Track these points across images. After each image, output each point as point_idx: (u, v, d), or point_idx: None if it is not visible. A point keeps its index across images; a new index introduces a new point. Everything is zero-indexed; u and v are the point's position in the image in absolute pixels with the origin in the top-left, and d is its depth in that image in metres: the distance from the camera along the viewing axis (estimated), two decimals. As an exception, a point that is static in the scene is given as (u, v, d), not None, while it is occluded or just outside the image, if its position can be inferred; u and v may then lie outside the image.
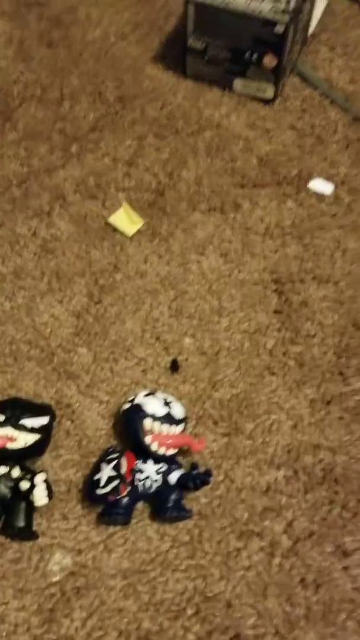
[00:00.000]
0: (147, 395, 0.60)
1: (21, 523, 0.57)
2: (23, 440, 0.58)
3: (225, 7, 0.81)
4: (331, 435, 0.65)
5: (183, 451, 0.62)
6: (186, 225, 0.78)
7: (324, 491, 0.61)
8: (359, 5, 1.05)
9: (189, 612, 0.55)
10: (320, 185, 0.83)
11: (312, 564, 0.58)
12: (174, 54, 0.92)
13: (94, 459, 0.61)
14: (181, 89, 0.91)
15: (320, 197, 0.82)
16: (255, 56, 0.84)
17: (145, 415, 0.58)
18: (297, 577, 0.57)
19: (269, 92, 0.88)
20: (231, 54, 0.85)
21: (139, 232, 0.77)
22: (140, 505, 0.59)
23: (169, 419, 0.59)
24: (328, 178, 0.83)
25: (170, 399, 0.61)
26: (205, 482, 0.58)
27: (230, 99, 0.90)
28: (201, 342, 0.70)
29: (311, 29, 0.98)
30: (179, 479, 0.58)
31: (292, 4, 0.81)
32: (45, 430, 0.60)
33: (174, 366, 0.67)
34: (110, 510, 0.57)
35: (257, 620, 0.55)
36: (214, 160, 0.84)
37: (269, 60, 0.84)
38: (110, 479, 0.56)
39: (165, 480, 0.58)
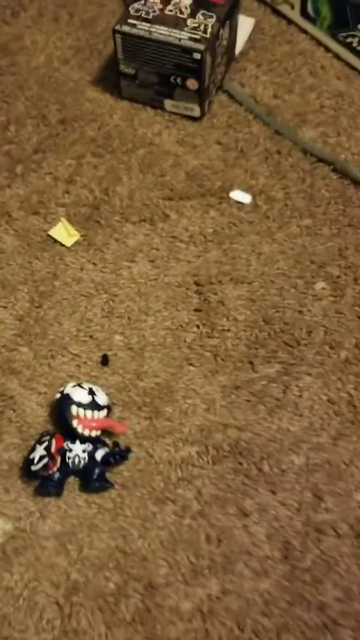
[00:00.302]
0: (74, 386, 0.72)
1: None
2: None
3: (149, 37, 0.92)
4: (239, 415, 0.76)
5: (111, 433, 0.73)
6: (119, 235, 0.89)
7: (230, 463, 0.73)
8: (287, 22, 1.16)
9: (110, 565, 0.67)
10: (240, 196, 0.94)
11: (216, 524, 0.69)
12: (112, 77, 1.03)
13: (32, 442, 0.72)
14: (118, 110, 1.01)
15: (240, 206, 0.93)
16: (179, 80, 0.95)
17: (72, 402, 0.70)
18: (203, 535, 0.69)
19: (196, 111, 0.99)
20: (159, 78, 0.96)
21: (76, 243, 0.88)
22: (71, 479, 0.71)
23: (93, 405, 0.71)
24: (248, 188, 0.94)
25: (95, 388, 0.73)
26: (123, 457, 0.70)
27: (161, 118, 1.01)
28: (129, 339, 0.81)
29: (239, 48, 1.09)
30: (103, 457, 0.70)
31: (209, 32, 0.92)
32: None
33: (105, 360, 0.79)
34: (45, 484, 0.69)
35: (168, 570, 0.67)
36: (146, 176, 0.95)
37: (192, 84, 0.95)
38: (41, 458, 0.67)
39: (92, 457, 0.70)
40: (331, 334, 0.83)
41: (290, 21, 1.16)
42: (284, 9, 1.17)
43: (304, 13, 1.14)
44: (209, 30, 0.92)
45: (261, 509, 0.70)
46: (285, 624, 0.64)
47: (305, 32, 1.14)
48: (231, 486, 0.71)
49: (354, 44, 1.08)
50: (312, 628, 0.64)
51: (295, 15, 1.15)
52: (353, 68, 1.10)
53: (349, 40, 1.09)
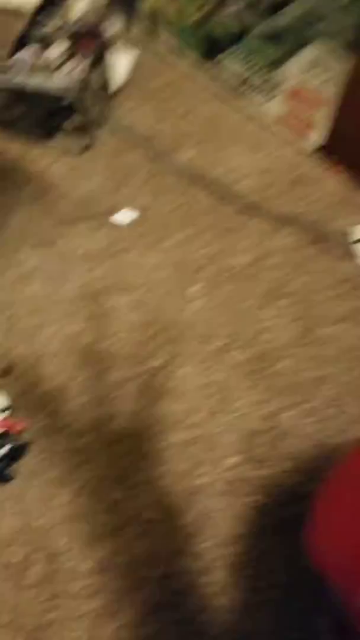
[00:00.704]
0: (-24, 393, 0.85)
1: None
2: None
3: (25, 87, 1.06)
4: (127, 405, 0.90)
5: (15, 432, 0.86)
6: (16, 260, 1.03)
7: (119, 447, 0.86)
8: (161, 57, 1.32)
9: (20, 540, 0.79)
10: (125, 215, 1.08)
11: (107, 498, 0.82)
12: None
13: None
14: (12, 148, 1.15)
15: (124, 225, 1.07)
16: (60, 120, 1.09)
17: (-25, 408, 0.83)
18: (99, 506, 0.82)
19: (80, 145, 1.14)
20: (42, 121, 1.10)
21: (-21, 270, 1.01)
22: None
23: (-6, 408, 0.83)
24: (131, 208, 1.09)
25: (-5, 394, 0.86)
26: (24, 451, 0.83)
27: (50, 153, 1.15)
28: (29, 350, 0.94)
29: (119, 84, 1.24)
30: (7, 452, 0.83)
31: (79, 78, 1.06)
32: None
33: (7, 370, 0.92)
34: None
35: (67, 539, 0.80)
36: (39, 206, 1.09)
37: (70, 124, 1.09)
38: None
39: (-3, 453, 0.83)
40: (206, 328, 0.97)
41: (164, 56, 1.33)
42: (158, 45, 1.33)
43: (177, 45, 1.30)
44: (79, 76, 1.07)
45: (147, 481, 0.84)
46: (168, 572, 0.78)
47: (179, 63, 1.31)
48: (121, 465, 0.85)
49: (221, 71, 1.25)
50: (191, 572, 0.78)
51: (170, 47, 1.32)
52: (221, 93, 1.26)
53: (217, 68, 1.25)
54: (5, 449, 0.83)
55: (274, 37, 1.13)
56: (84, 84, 1.07)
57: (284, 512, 0.82)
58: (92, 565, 0.78)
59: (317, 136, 1.16)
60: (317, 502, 0.67)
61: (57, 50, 1.10)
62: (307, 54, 1.11)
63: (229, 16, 1.18)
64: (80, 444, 0.87)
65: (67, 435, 0.87)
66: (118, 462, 0.85)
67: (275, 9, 1.10)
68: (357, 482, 0.66)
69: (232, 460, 0.86)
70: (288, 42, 1.12)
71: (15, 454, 0.83)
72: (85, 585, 0.77)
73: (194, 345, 0.96)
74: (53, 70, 1.07)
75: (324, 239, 1.07)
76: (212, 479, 0.85)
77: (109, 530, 0.81)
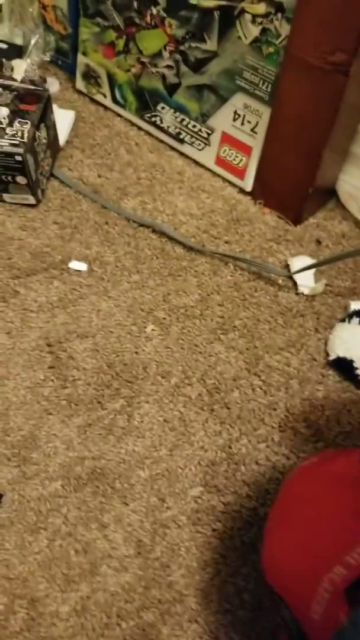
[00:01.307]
0: None
1: None
2: None
3: (-22, 148, 1.09)
4: (93, 448, 0.93)
5: (-12, 484, 0.88)
6: (-23, 316, 1.04)
7: (89, 488, 0.89)
8: (103, 109, 1.36)
9: (0, 589, 0.80)
10: (78, 265, 1.12)
11: (82, 539, 0.85)
12: None
13: None
14: (-36, 207, 1.17)
15: (78, 273, 1.11)
16: (10, 177, 1.12)
17: None
18: (72, 550, 0.84)
19: (31, 200, 1.17)
20: (-7, 179, 1.13)
21: None
22: None
23: (-34, 465, 0.85)
24: (84, 258, 1.13)
25: (-34, 450, 0.87)
26: (-2, 502, 0.84)
27: (3, 209, 1.17)
28: (-5, 403, 0.96)
29: (64, 138, 1.28)
30: (-19, 504, 0.84)
31: (26, 136, 1.10)
32: None
33: (-25, 425, 0.93)
34: None
35: (46, 585, 0.81)
36: (-5, 261, 1.11)
37: (21, 179, 1.12)
38: None
39: (-28, 508, 0.84)
40: (162, 366, 1.01)
41: (105, 108, 1.38)
42: (99, 97, 1.38)
43: (114, 100, 1.35)
44: (26, 134, 1.10)
45: (117, 520, 0.87)
46: (143, 604, 0.80)
47: (119, 115, 1.36)
48: (91, 506, 0.87)
49: (157, 122, 1.30)
50: (165, 602, 0.81)
51: (108, 102, 1.37)
52: (161, 141, 1.32)
53: (153, 119, 1.30)
54: (-21, 502, 0.85)
55: (199, 92, 1.19)
56: (32, 142, 1.10)
57: (244, 536, 0.86)
58: (72, 607, 0.80)
59: (250, 178, 1.22)
60: (267, 523, 0.72)
61: (4, 110, 1.13)
62: (231, 107, 1.18)
63: (158, 74, 1.24)
64: (52, 490, 0.89)
65: (39, 483, 0.89)
66: (88, 503, 0.88)
67: (198, 65, 1.16)
68: (300, 500, 0.71)
69: (195, 491, 0.90)
70: (212, 97, 1.18)
71: (-11, 507, 0.85)
72: (67, 627, 0.79)
73: (152, 384, 1.00)
74: (1, 129, 1.10)
75: (265, 272, 1.13)
76: (178, 511, 0.88)
77: (85, 570, 0.83)
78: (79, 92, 1.40)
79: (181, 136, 1.28)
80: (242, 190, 1.25)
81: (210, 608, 0.81)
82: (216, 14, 1.09)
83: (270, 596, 0.70)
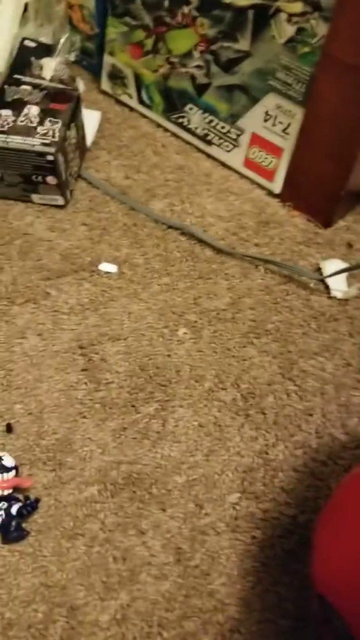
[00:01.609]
0: (-17, 456, 0.84)
1: None
2: None
3: (7, 146, 1.06)
4: (128, 452, 0.90)
5: (22, 489, 0.85)
6: (8, 317, 1.02)
7: (126, 493, 0.87)
8: (129, 110, 1.34)
9: (37, 599, 0.78)
10: (108, 267, 1.09)
11: (120, 546, 0.83)
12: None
13: None
14: (-7, 207, 1.15)
15: (108, 275, 1.08)
16: (40, 178, 1.10)
17: (-18, 470, 0.81)
18: (110, 557, 0.82)
19: (60, 201, 1.14)
20: (23, 179, 1.10)
21: (-28, 331, 1.00)
22: (-6, 535, 0.82)
23: (2, 469, 0.82)
24: (113, 259, 1.10)
25: (2, 454, 0.84)
26: (35, 508, 0.82)
27: (32, 210, 1.15)
28: (28, 406, 0.94)
29: (90, 139, 1.26)
30: (18, 510, 0.82)
31: (57, 136, 1.07)
32: None
33: (9, 428, 0.91)
34: (-29, 544, 0.79)
35: (85, 592, 0.79)
36: (25, 262, 1.08)
37: (51, 180, 1.10)
38: None
39: (8, 513, 0.81)
40: (195, 370, 0.99)
41: (131, 109, 1.35)
42: (125, 98, 1.35)
43: (141, 101, 1.32)
44: (57, 134, 1.08)
45: (155, 526, 0.84)
46: (184, 613, 0.78)
47: (145, 117, 1.33)
48: (128, 512, 0.85)
49: (185, 123, 1.28)
50: (206, 611, 0.79)
51: (134, 103, 1.34)
52: (188, 143, 1.29)
53: (180, 120, 1.28)
54: (15, 508, 0.82)
55: (230, 92, 1.17)
56: (63, 142, 1.07)
57: (284, 544, 0.84)
58: (112, 615, 0.78)
59: (280, 180, 1.20)
60: (317, 530, 0.69)
61: (35, 109, 1.11)
62: (262, 107, 1.15)
63: (187, 74, 1.21)
64: (88, 495, 0.86)
65: (74, 488, 0.87)
66: (126, 509, 0.85)
67: (230, 65, 1.14)
68: (355, 507, 0.68)
69: (233, 497, 0.87)
70: (243, 97, 1.16)
71: (25, 512, 0.82)
72: (107, 637, 0.77)
73: (185, 388, 0.97)
74: (32, 128, 1.08)
75: (296, 275, 1.11)
76: (216, 518, 0.86)
77: (124, 578, 0.81)
78: (104, 92, 1.38)
79: (209, 137, 1.26)
80: (270, 193, 1.23)
81: (252, 618, 0.79)
82: (250, 13, 1.07)
83: (314, 606, 0.68)
